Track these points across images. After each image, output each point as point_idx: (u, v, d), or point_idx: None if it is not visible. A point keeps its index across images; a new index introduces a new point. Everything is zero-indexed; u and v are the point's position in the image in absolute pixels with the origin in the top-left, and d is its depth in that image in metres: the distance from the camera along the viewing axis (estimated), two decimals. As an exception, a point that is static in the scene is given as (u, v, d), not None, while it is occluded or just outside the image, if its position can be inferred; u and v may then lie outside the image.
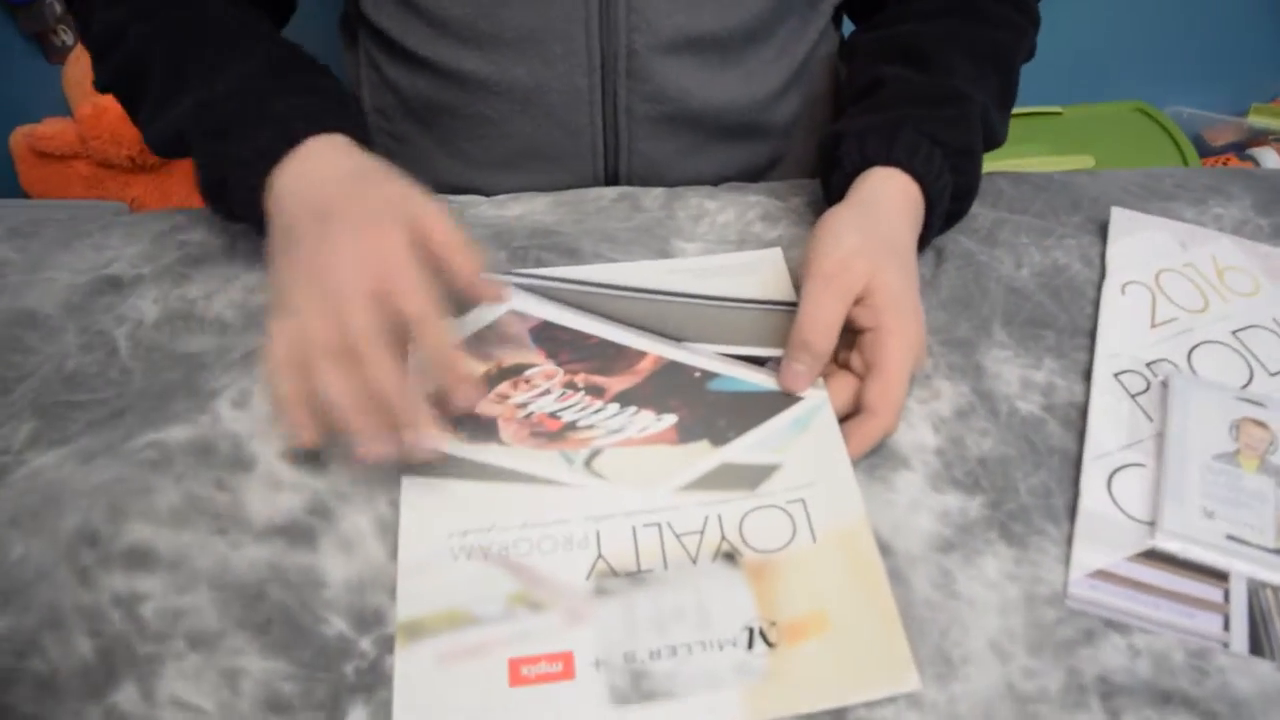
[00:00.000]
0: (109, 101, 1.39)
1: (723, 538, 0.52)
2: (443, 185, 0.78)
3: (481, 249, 0.66)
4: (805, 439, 0.55)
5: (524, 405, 0.57)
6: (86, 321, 0.63)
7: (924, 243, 0.65)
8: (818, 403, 0.57)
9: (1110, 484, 0.55)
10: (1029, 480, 0.55)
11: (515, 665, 0.47)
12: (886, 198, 0.62)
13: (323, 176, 0.56)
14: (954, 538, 0.53)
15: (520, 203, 0.72)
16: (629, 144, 0.75)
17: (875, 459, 0.56)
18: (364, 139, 0.61)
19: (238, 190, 0.59)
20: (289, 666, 0.48)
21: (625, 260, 0.66)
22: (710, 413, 0.57)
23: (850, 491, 0.53)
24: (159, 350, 0.61)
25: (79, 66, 1.45)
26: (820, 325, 0.56)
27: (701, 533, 0.52)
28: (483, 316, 0.62)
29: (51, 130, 1.46)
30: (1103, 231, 0.69)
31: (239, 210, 0.61)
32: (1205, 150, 1.70)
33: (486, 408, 0.57)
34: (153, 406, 0.58)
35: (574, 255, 0.67)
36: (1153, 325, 0.63)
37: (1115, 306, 0.64)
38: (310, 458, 0.55)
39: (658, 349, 0.60)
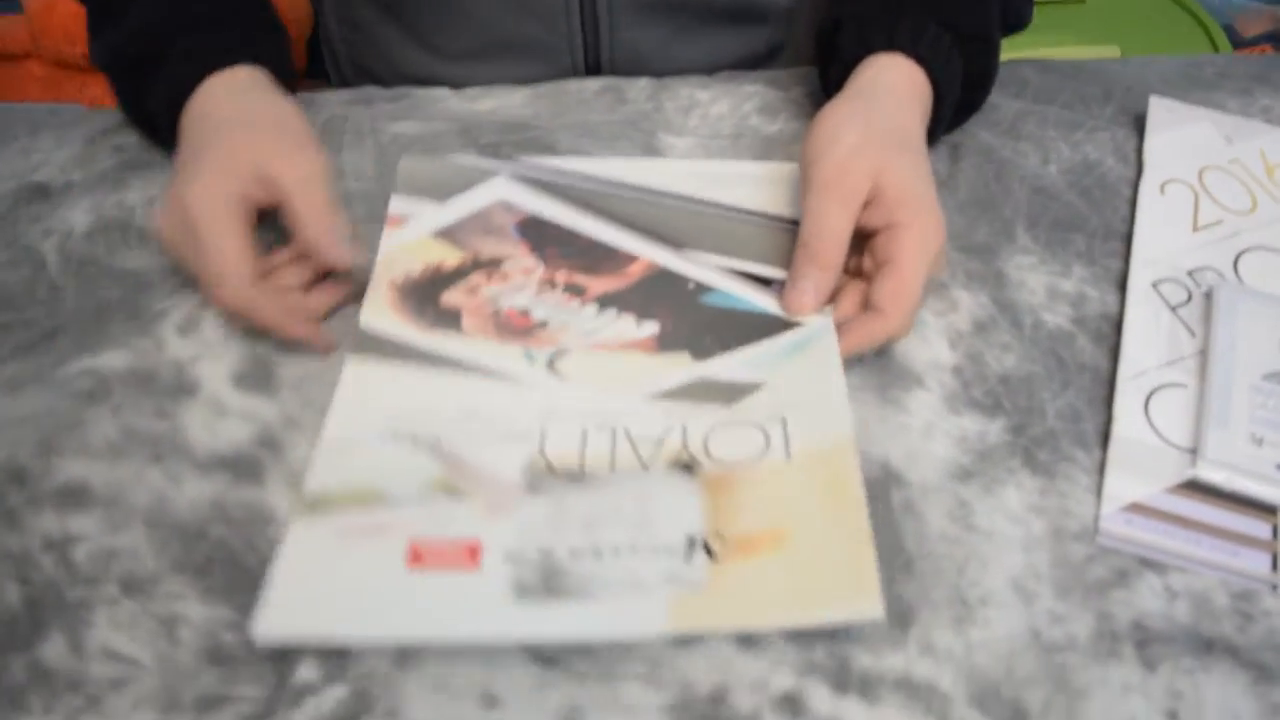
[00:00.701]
0: (61, -6, 1.32)
1: (684, 446, 0.47)
2: (406, 79, 0.72)
3: (449, 142, 0.60)
4: (798, 362, 0.50)
5: (494, 299, 0.53)
6: (10, 234, 0.58)
7: (934, 137, 0.59)
8: (820, 329, 0.51)
9: (1147, 407, 0.50)
10: (1056, 402, 0.50)
11: (415, 548, 0.43)
12: (889, 87, 0.56)
13: (206, 119, 0.56)
14: (973, 465, 0.48)
15: (492, 96, 0.66)
16: (610, 31, 0.69)
17: (886, 378, 0.51)
18: (276, 65, 0.60)
19: (159, 138, 0.60)
20: (232, 613, 0.43)
21: (607, 155, 0.61)
22: (697, 326, 0.52)
23: (839, 411, 0.48)
24: (93, 265, 0.56)
25: (28, -44, 1.37)
26: (826, 236, 0.50)
27: (660, 441, 0.47)
28: (467, 204, 0.57)
29: (0, 28, 1.39)
30: (1139, 124, 0.63)
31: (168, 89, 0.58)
32: (1237, 41, 1.63)
33: (452, 298, 0.53)
34: (87, 329, 0.53)
35: (550, 151, 0.61)
36: (1195, 229, 0.58)
37: (1153, 208, 0.58)
38: (261, 380, 0.50)
39: (651, 253, 0.55)
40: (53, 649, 0.42)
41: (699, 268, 0.55)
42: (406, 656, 0.42)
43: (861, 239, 0.52)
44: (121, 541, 0.45)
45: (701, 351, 0.51)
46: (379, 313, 0.53)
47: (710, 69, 0.70)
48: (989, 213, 0.59)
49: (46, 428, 0.48)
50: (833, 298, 0.52)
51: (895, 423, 0.50)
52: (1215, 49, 1.51)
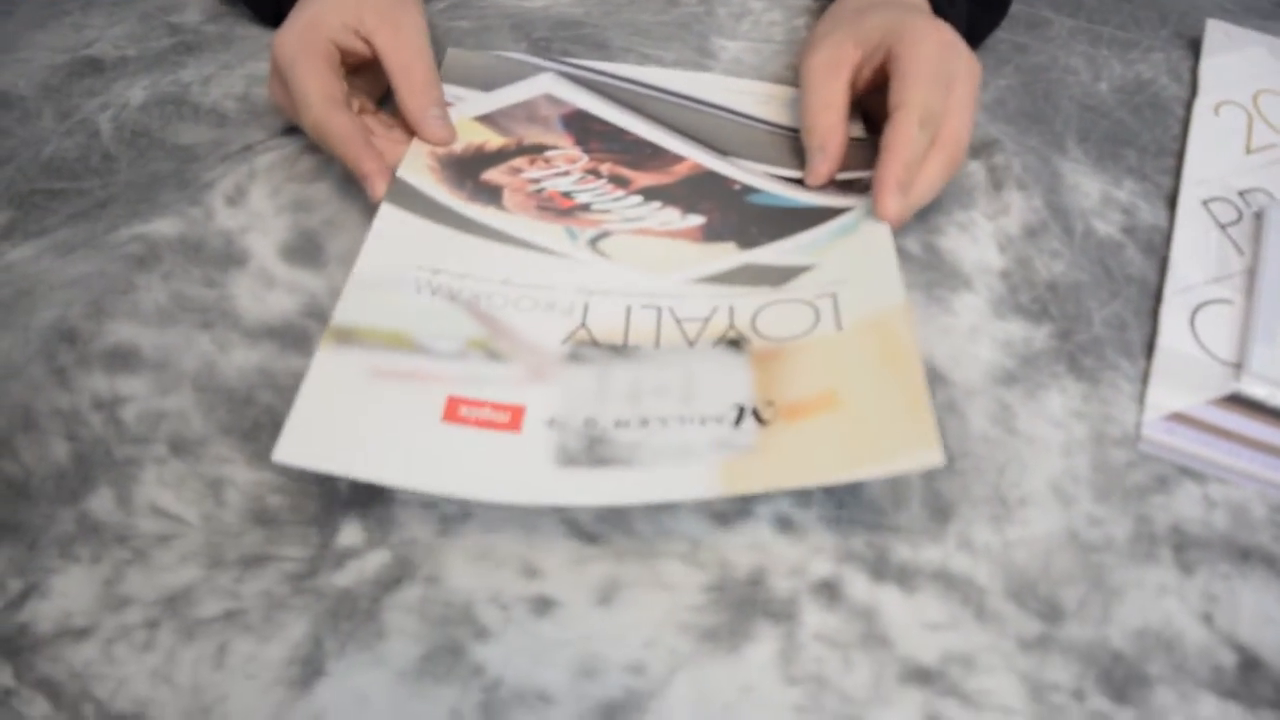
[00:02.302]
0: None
1: (731, 325, 0.46)
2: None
3: (501, 37, 0.60)
4: (848, 242, 0.49)
5: (537, 180, 0.53)
6: (67, 105, 0.57)
7: None
8: (868, 210, 0.50)
9: (1193, 321, 0.49)
10: (1103, 310, 0.50)
11: (454, 403, 0.42)
12: None
13: None
14: (1017, 370, 0.48)
15: (542, -7, 0.65)
16: None
17: (933, 276, 0.51)
18: None
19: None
20: (277, 477, 0.44)
21: (658, 55, 0.60)
22: (744, 220, 0.52)
23: (891, 281, 0.46)
24: (146, 137, 0.56)
25: None
26: (820, 103, 0.51)
27: (707, 319, 0.47)
28: (513, 94, 0.57)
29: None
30: (1195, 47, 0.62)
31: None
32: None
33: (493, 175, 0.53)
34: (139, 198, 0.52)
35: (602, 49, 0.60)
36: (1248, 151, 0.57)
37: (1206, 128, 0.58)
38: (310, 254, 0.50)
39: (698, 155, 0.54)
40: (101, 503, 0.43)
41: (745, 172, 0.54)
42: (448, 525, 0.42)
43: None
44: (170, 404, 0.45)
45: (748, 241, 0.50)
46: (418, 174, 0.52)
47: None
48: (1039, 125, 0.58)
49: (97, 290, 0.48)
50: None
51: (941, 324, 0.49)
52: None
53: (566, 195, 0.52)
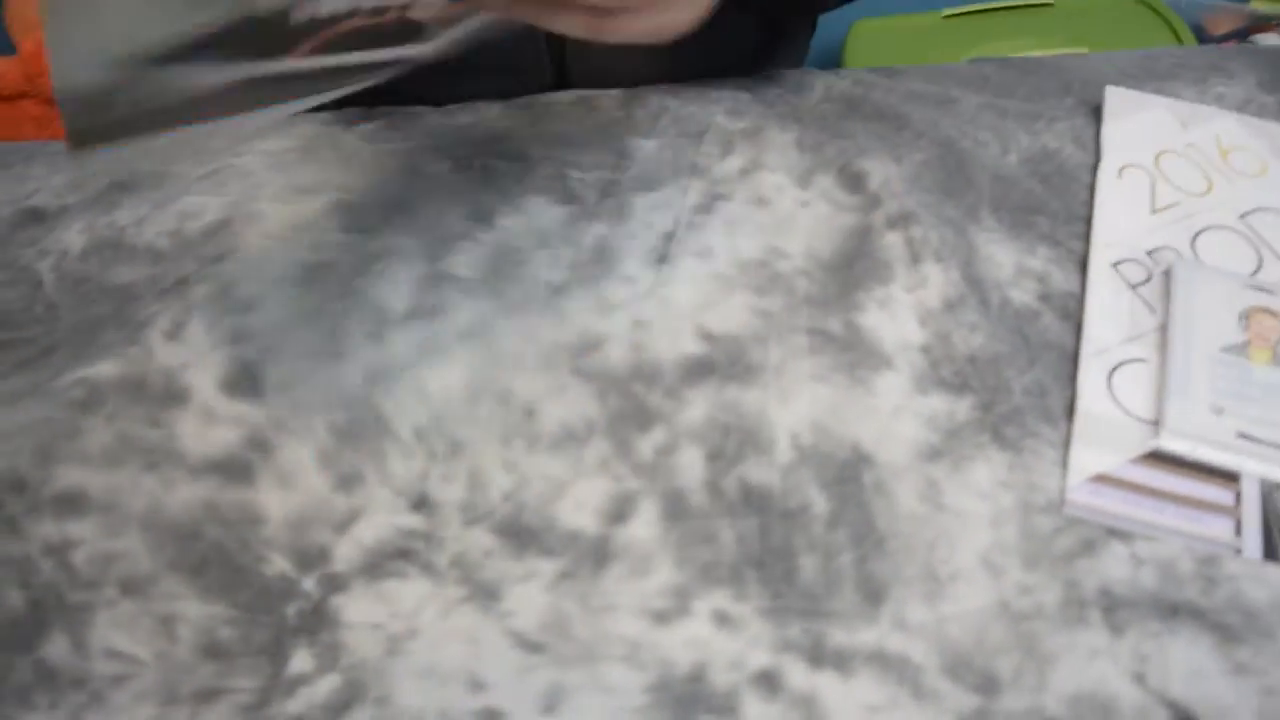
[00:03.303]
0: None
1: None
2: (387, 96, 0.73)
3: (428, 156, 0.62)
4: None
5: None
6: (9, 257, 0.59)
7: None
8: None
9: (1110, 381, 0.51)
10: (1023, 379, 0.51)
11: None
12: None
13: None
14: (941, 444, 0.49)
15: (469, 112, 0.67)
16: (576, 46, 0.70)
17: (855, 356, 0.52)
18: None
19: None
20: (228, 610, 0.45)
21: (576, 160, 0.62)
22: None
23: None
24: (87, 282, 0.57)
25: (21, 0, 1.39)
26: None
27: None
28: None
29: (-5, 70, 1.41)
30: (1096, 114, 0.65)
31: None
32: (1206, 40, 1.64)
33: None
34: (82, 341, 0.54)
35: (522, 159, 0.62)
36: (1153, 211, 0.59)
37: (1111, 192, 0.59)
38: (249, 386, 0.51)
39: None
40: (56, 649, 0.44)
41: None
42: (396, 644, 0.44)
43: None
44: (119, 545, 0.46)
45: None
46: None
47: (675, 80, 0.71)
48: (954, 198, 0.60)
49: (44, 436, 0.49)
50: None
51: (864, 405, 0.50)
52: (1184, 48, 1.52)
53: None
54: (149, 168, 0.63)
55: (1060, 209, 0.59)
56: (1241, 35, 1.62)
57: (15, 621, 0.44)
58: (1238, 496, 0.47)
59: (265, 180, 0.61)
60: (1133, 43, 1.53)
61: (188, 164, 0.62)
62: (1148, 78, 0.68)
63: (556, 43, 0.71)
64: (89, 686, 0.43)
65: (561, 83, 0.73)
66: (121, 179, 0.63)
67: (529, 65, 0.71)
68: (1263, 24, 1.64)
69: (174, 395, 0.51)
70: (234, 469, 0.49)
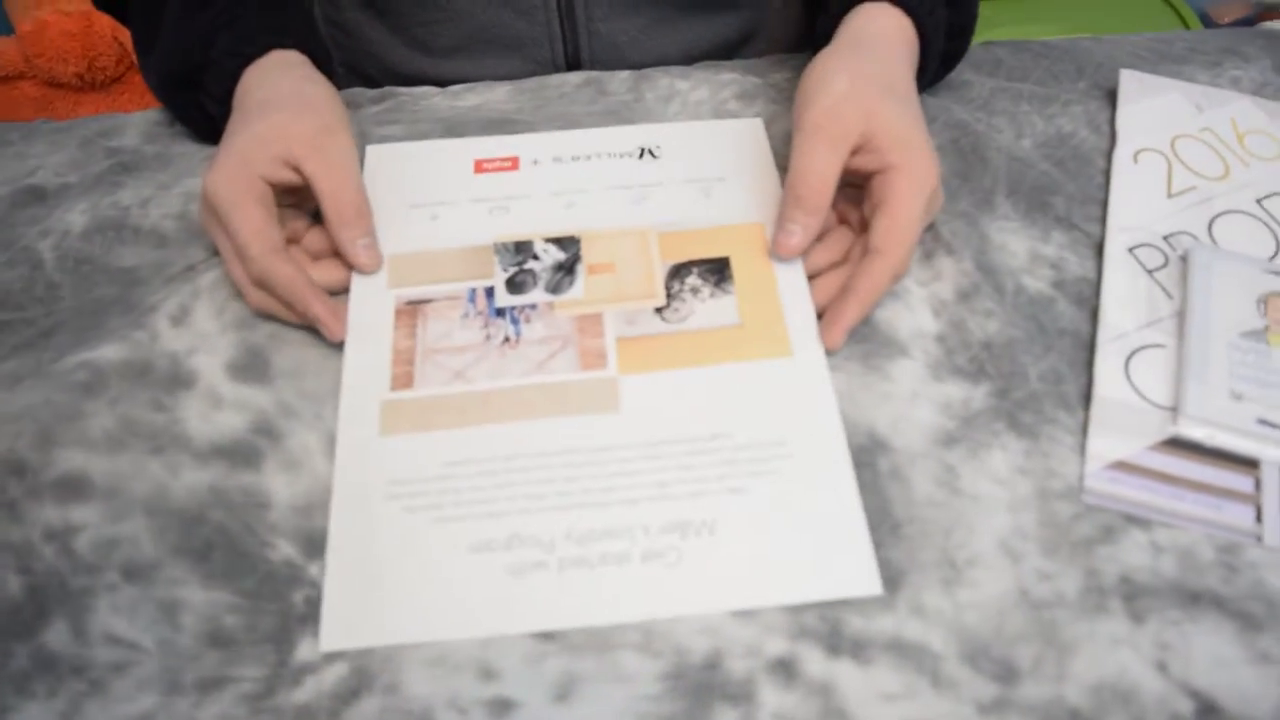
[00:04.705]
0: (52, 16, 1.32)
1: None
2: (398, 76, 0.72)
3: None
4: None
5: None
6: (9, 236, 0.58)
7: (920, 86, 0.59)
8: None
9: (1127, 367, 0.50)
10: (1038, 365, 0.51)
11: None
12: (876, 35, 0.56)
13: (239, 106, 0.56)
14: (957, 431, 0.48)
15: (476, 93, 0.66)
16: (587, 24, 0.70)
17: (870, 346, 0.51)
18: (310, 46, 0.60)
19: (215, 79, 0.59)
20: (232, 597, 0.44)
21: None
22: None
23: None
24: (90, 264, 0.56)
25: (18, -21, 1.37)
26: (813, 177, 0.51)
27: None
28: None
29: (-8, 50, 1.40)
30: (1111, 98, 0.64)
31: (214, 90, 0.58)
32: (1213, 28, 1.64)
33: None
34: (85, 325, 0.53)
35: (531, 141, 0.61)
36: (1169, 195, 0.58)
37: (1127, 176, 0.59)
38: (257, 371, 0.50)
39: None
40: (56, 636, 0.43)
41: None
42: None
43: (857, 187, 0.53)
44: (122, 530, 0.46)
45: None
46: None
47: (686, 59, 0.71)
48: (969, 183, 0.59)
49: (45, 420, 0.49)
50: (820, 238, 0.53)
51: (880, 391, 0.50)
52: (1192, 34, 1.52)
53: None
54: (152, 149, 0.62)
55: (1075, 192, 0.58)
56: (1249, 24, 1.61)
57: (15, 608, 0.44)
58: (1257, 483, 0.46)
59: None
60: (1141, 29, 1.52)
61: (193, 145, 0.61)
62: (1161, 61, 0.67)
63: (568, 23, 0.70)
64: (89, 674, 0.42)
65: (571, 64, 0.72)
66: (124, 160, 0.62)
67: (538, 42, 0.71)
68: (1270, 12, 1.64)
69: (180, 379, 0.51)
70: (240, 454, 0.48)
